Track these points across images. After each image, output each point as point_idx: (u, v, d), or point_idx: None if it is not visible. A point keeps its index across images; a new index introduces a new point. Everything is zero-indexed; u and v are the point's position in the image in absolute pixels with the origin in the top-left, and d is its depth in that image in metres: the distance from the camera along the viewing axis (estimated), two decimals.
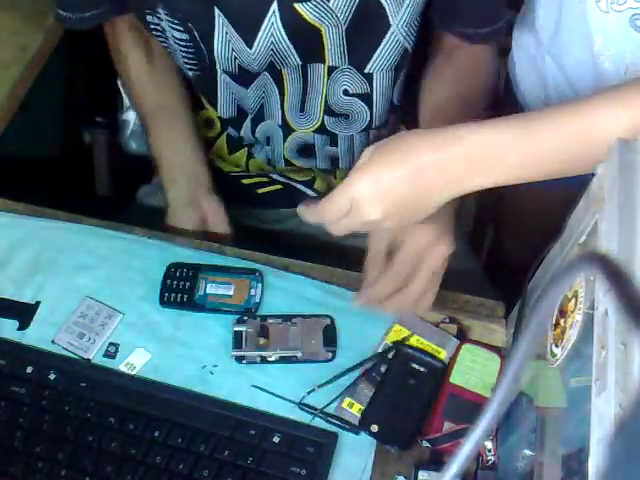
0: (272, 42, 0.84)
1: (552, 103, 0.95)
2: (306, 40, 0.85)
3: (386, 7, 0.83)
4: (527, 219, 0.72)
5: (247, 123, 0.98)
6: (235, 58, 0.86)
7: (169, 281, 0.81)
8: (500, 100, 1.07)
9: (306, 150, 1.00)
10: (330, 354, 0.77)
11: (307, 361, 0.77)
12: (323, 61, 0.88)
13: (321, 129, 0.96)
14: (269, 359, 0.77)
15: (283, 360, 0.77)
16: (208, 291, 0.81)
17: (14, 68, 0.96)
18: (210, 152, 1.04)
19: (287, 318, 0.79)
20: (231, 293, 0.81)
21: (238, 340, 0.78)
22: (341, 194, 0.69)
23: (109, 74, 1.07)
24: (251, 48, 0.84)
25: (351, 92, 0.92)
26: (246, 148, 1.03)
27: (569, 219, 0.66)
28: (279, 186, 1.04)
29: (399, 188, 0.68)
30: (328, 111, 0.94)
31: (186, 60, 0.90)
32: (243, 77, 0.90)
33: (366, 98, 0.93)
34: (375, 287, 0.77)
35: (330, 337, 0.78)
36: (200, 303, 0.80)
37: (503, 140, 0.65)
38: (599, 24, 0.82)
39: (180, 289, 0.81)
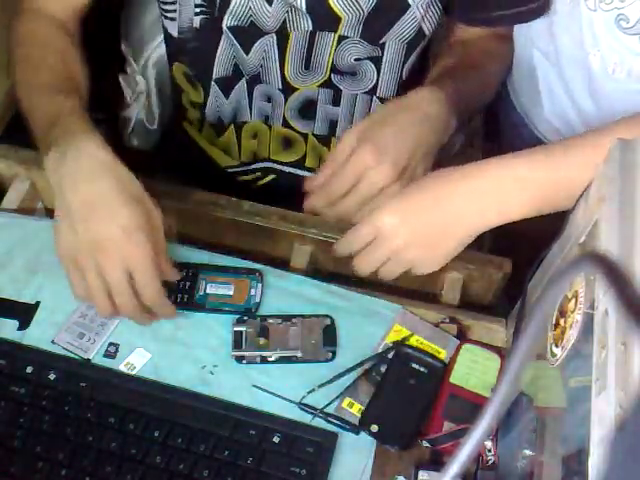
0: (290, 7, 0.86)
1: (544, 102, 0.96)
2: (323, 19, 0.87)
3: None
4: (527, 219, 0.72)
5: (241, 86, 0.97)
6: (250, 16, 0.88)
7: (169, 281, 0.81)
8: (499, 96, 1.07)
9: (308, 109, 0.99)
10: (330, 354, 0.77)
11: (307, 361, 0.77)
12: (335, 31, 0.89)
13: (327, 84, 0.96)
14: (269, 359, 0.77)
15: (283, 360, 0.77)
16: (208, 291, 0.81)
17: None
18: (200, 139, 1.05)
19: (287, 318, 0.79)
20: (231, 293, 0.81)
21: (238, 340, 0.78)
22: (367, 223, 0.76)
23: (109, 73, 1.07)
24: (270, 5, 0.86)
25: (362, 58, 0.93)
26: (232, 126, 1.02)
27: (569, 219, 0.66)
28: (273, 175, 1.05)
29: (424, 214, 0.73)
30: (335, 70, 0.95)
31: (196, 8, 0.90)
32: (249, 35, 0.90)
33: (375, 60, 0.94)
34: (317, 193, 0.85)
35: (330, 337, 0.78)
36: (200, 303, 0.80)
37: (522, 174, 0.70)
38: (588, 23, 0.82)
39: (180, 289, 0.81)
